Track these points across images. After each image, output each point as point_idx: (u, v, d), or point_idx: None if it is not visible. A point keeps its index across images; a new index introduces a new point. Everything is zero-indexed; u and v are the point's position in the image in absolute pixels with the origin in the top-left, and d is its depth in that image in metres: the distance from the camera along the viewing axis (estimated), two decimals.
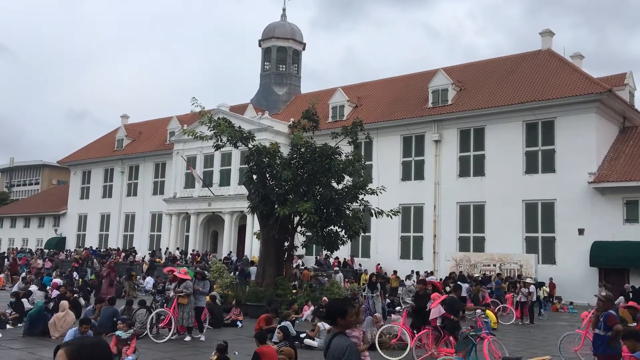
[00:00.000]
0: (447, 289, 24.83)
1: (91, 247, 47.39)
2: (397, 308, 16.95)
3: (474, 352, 8.38)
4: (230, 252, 39.00)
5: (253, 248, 36.29)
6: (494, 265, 30.32)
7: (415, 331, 12.45)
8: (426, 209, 34.80)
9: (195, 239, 42.60)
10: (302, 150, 21.60)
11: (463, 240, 33.28)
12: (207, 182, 40.09)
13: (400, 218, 32.90)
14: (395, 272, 29.97)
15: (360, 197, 21.79)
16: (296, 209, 20.05)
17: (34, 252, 48.72)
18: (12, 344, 13.01)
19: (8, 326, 15.67)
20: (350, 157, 21.94)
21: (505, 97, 32.86)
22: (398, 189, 34.30)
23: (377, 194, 21.56)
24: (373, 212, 21.68)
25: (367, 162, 31.47)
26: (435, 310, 10.89)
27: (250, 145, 21.71)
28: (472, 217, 33.16)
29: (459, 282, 23.61)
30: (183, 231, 43.96)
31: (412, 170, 35.78)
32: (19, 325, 15.93)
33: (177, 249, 41.47)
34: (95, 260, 39.20)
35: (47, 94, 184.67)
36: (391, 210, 21.83)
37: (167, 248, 42.59)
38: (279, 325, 13.49)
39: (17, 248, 54.65)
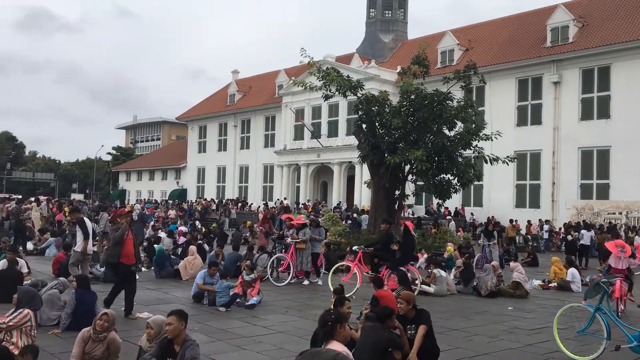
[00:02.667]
0: (569, 237, 23.74)
1: (192, 202, 49.23)
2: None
3: (606, 300, 7.97)
4: (340, 201, 39.59)
5: (362, 197, 36.59)
6: (620, 213, 28.50)
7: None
8: (544, 155, 33.11)
9: (305, 189, 43.66)
10: (412, 97, 21.09)
11: (585, 187, 31.42)
12: (316, 133, 40.60)
13: (516, 165, 31.53)
14: (514, 221, 28.76)
15: (474, 143, 21.08)
16: (407, 157, 19.76)
17: (159, 202, 52.37)
18: (148, 285, 14.18)
19: (143, 269, 17.06)
20: (461, 103, 21.16)
21: (635, 31, 29.97)
22: (513, 134, 32.83)
23: (491, 140, 20.71)
24: (487, 159, 20.92)
25: (479, 108, 30.24)
26: (625, 261, 10.78)
27: (359, 95, 21.56)
28: (595, 163, 31.15)
29: (583, 230, 22.55)
30: (294, 182, 45.16)
31: (529, 115, 34.03)
32: (152, 268, 17.32)
33: (308, 201, 41.74)
34: (232, 211, 41.37)
35: (167, 54, 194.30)
36: (507, 157, 20.99)
37: (279, 199, 43.98)
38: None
39: (144, 199, 59.11)
